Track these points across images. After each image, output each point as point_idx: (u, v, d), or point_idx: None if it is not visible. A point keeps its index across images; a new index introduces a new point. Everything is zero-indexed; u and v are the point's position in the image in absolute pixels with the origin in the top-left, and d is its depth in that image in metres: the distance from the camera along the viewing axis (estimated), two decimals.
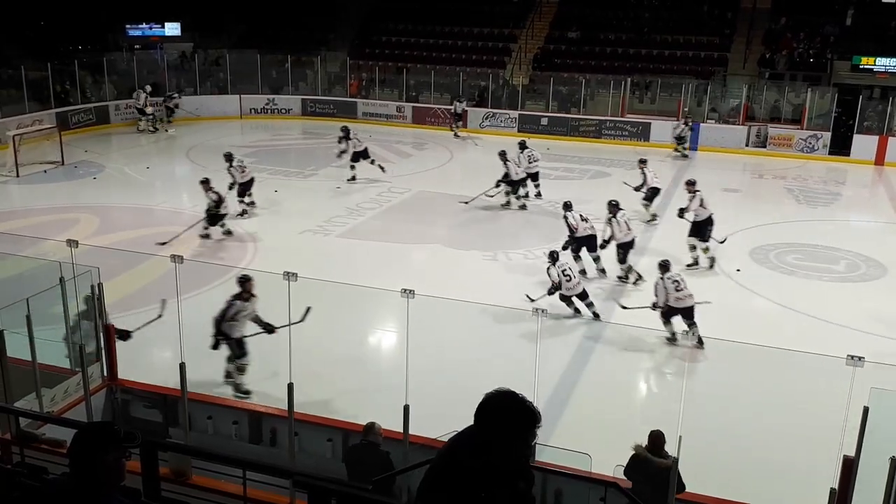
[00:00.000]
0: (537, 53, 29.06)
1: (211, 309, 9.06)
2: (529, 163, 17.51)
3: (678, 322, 10.29)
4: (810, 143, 23.31)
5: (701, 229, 13.36)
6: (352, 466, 6.77)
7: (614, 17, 29.29)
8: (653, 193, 16.10)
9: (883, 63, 24.97)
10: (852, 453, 6.04)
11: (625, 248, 12.71)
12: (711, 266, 13.38)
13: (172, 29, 30.99)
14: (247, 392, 8.89)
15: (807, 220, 16.86)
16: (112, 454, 2.95)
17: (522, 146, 17.95)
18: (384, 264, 13.45)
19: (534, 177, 17.66)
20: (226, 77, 27.97)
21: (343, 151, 18.92)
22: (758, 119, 24.59)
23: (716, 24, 28.40)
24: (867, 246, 14.87)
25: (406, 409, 6.83)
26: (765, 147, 23.62)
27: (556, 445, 6.71)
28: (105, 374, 8.22)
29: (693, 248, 13.44)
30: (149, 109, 24.62)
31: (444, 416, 7.69)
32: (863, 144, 22.75)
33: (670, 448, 6.33)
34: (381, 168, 18.75)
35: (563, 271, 11.02)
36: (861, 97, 23.39)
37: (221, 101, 27.09)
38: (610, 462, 6.33)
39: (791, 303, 12.04)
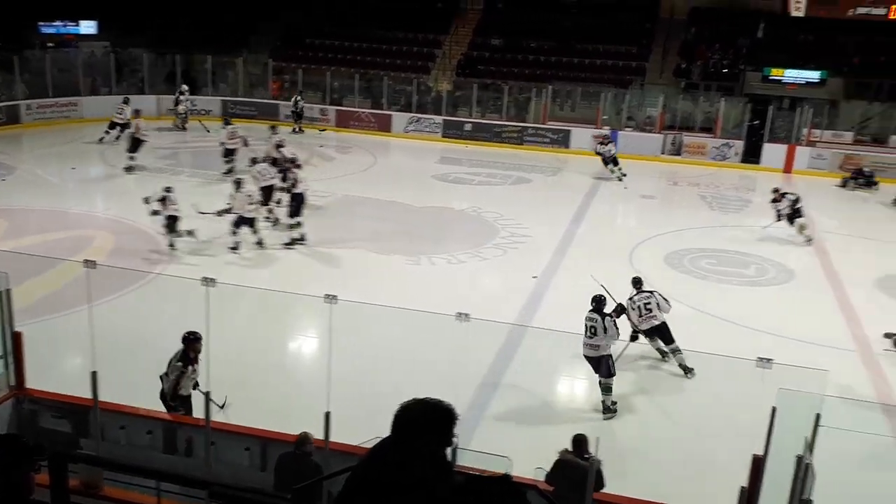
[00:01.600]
0: (461, 59, 29.26)
1: (125, 314, 8.81)
2: None
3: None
4: (723, 152, 24.13)
5: None
6: (281, 476, 6.67)
7: (537, 25, 29.71)
8: None
9: (792, 74, 26.03)
10: (761, 452, 6.26)
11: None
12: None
13: (88, 27, 29.96)
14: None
15: (719, 226, 17.42)
16: (20, 468, 2.85)
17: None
18: (306, 269, 13.32)
19: None
20: (143, 77, 27.26)
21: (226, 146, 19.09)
22: (673, 127, 25.31)
23: (634, 34, 29.12)
24: (776, 251, 15.47)
25: (327, 415, 6.78)
26: (680, 155, 24.33)
27: (476, 449, 6.76)
28: (12, 383, 7.89)
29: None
30: (181, 108, 24.92)
31: (367, 423, 7.65)
32: (772, 153, 23.67)
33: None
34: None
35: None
36: (771, 107, 24.34)
37: (138, 101, 26.33)
38: (530, 464, 6.40)
39: (703, 306, 12.41)
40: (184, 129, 24.88)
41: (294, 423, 6.99)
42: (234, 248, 13.76)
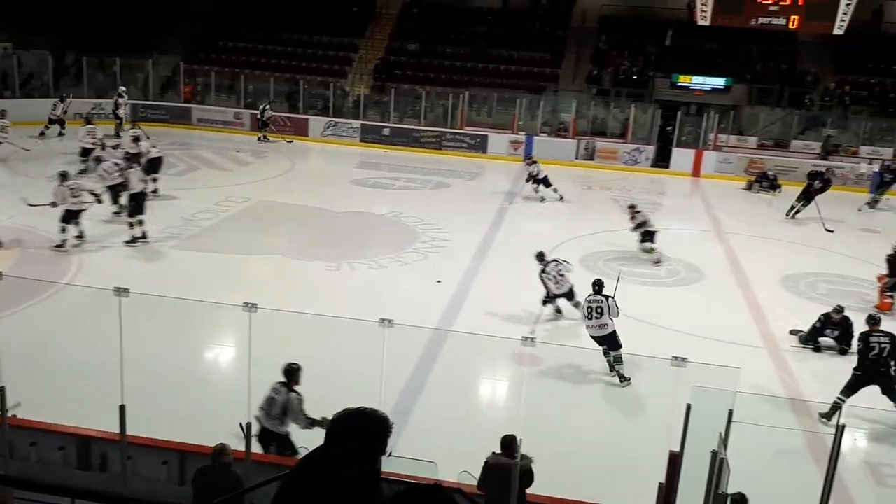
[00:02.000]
0: (378, 64, 29.21)
1: (32, 327, 8.46)
2: None
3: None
4: (634, 156, 24.80)
5: None
6: (200, 490, 6.51)
7: (452, 31, 29.93)
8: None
9: (699, 81, 26.96)
10: (678, 449, 6.45)
11: None
12: None
13: None
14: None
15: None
16: None
17: None
18: (223, 277, 13.04)
19: None
20: (48, 80, 26.22)
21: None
22: (587, 133, 25.87)
23: (548, 41, 29.64)
24: (686, 252, 15.96)
25: (248, 426, 6.66)
26: (593, 160, 24.89)
27: (401, 455, 6.75)
28: None
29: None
30: (120, 112, 23.93)
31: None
32: (681, 157, 24.45)
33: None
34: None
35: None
36: (679, 113, 25.15)
37: (44, 105, 25.30)
38: (456, 468, 6.42)
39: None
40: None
41: (214, 436, 6.84)
42: (60, 246, 13.50)
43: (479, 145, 25.37)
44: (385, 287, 13.10)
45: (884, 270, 13.65)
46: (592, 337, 10.23)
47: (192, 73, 28.22)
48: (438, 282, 13.35)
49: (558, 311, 12.23)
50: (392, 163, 23.51)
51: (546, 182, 19.39)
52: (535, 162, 19.63)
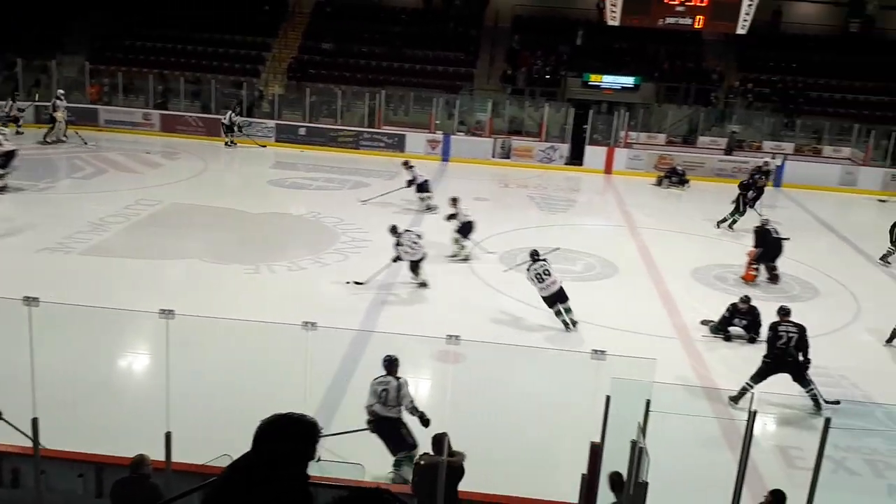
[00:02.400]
0: (291, 63, 28.85)
1: None
2: None
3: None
4: (548, 154, 25.20)
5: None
6: (118, 502, 6.33)
7: (366, 30, 29.81)
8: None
9: (609, 80, 27.61)
10: (599, 440, 6.62)
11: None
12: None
13: None
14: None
15: (548, 226, 18.19)
16: None
17: None
18: (137, 283, 12.66)
19: None
20: None
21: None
22: (503, 132, 26.16)
23: (462, 41, 29.84)
24: (600, 247, 16.35)
25: (167, 435, 6.51)
26: (509, 158, 25.19)
27: (327, 458, 6.72)
28: None
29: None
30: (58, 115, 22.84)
31: (211, 441, 7.45)
32: (594, 155, 24.98)
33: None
34: None
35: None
36: (591, 111, 25.69)
37: None
38: (383, 468, 6.44)
39: (539, 303, 12.90)
40: (63, 139, 23.03)
41: (132, 446, 6.66)
42: None
43: (397, 144, 25.37)
44: (305, 289, 12.98)
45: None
46: (546, 297, 11.84)
47: (98, 73, 27.27)
48: (348, 283, 13.24)
49: (423, 284, 13.21)
50: (309, 163, 23.28)
51: (425, 188, 18.42)
52: (412, 167, 18.62)
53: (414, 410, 7.84)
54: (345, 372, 9.96)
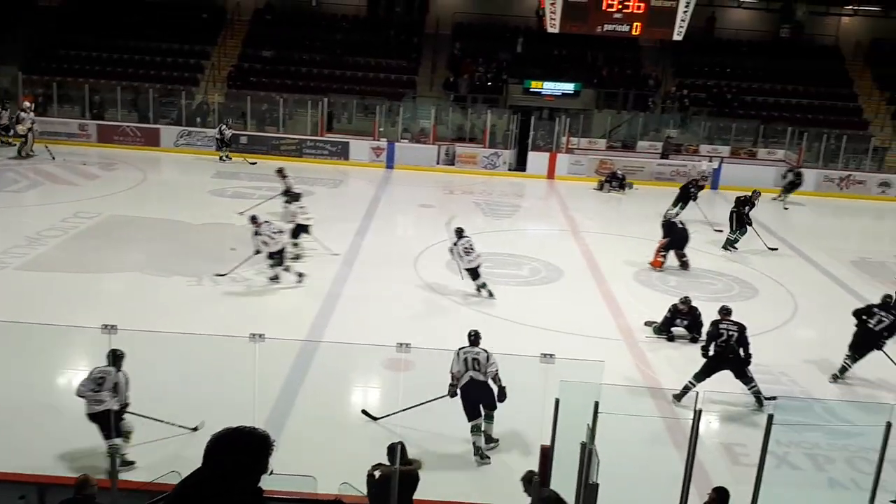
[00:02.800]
0: (231, 71, 28.53)
1: None
2: None
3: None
4: (492, 161, 25.37)
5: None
6: None
7: (307, 37, 29.65)
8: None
9: (550, 87, 27.95)
10: (549, 442, 6.69)
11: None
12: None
13: None
14: None
15: (493, 231, 18.30)
16: None
17: None
18: (76, 298, 12.35)
19: None
20: None
21: None
22: (447, 139, 26.26)
23: (403, 48, 29.89)
24: (545, 252, 16.52)
25: (112, 453, 6.38)
26: (453, 165, 25.27)
27: (278, 472, 6.64)
28: None
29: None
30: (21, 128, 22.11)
31: (159, 457, 7.31)
32: (536, 161, 25.24)
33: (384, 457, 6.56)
34: None
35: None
36: (533, 118, 25.95)
37: None
38: (335, 480, 6.39)
39: (485, 308, 13.01)
40: (30, 154, 22.23)
41: (75, 466, 6.51)
42: None
43: (341, 152, 25.24)
44: (250, 300, 12.83)
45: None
46: (470, 269, 13.25)
47: (31, 83, 26.53)
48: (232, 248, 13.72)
49: (275, 278, 13.42)
50: (251, 172, 23.00)
51: (296, 197, 17.01)
52: (286, 175, 17.65)
53: (496, 380, 8.56)
54: (293, 382, 9.86)
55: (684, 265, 15.89)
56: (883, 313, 11.06)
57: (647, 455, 8.58)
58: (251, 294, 13.10)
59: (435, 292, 13.74)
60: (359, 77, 28.91)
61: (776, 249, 17.56)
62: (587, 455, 6.09)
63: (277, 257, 13.31)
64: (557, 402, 6.57)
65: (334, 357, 10.76)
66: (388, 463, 6.42)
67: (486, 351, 8.78)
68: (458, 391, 8.64)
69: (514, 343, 11.26)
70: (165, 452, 7.64)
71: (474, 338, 9.05)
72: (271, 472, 3.05)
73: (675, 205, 19.59)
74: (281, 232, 13.49)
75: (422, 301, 13.35)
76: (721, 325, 9.97)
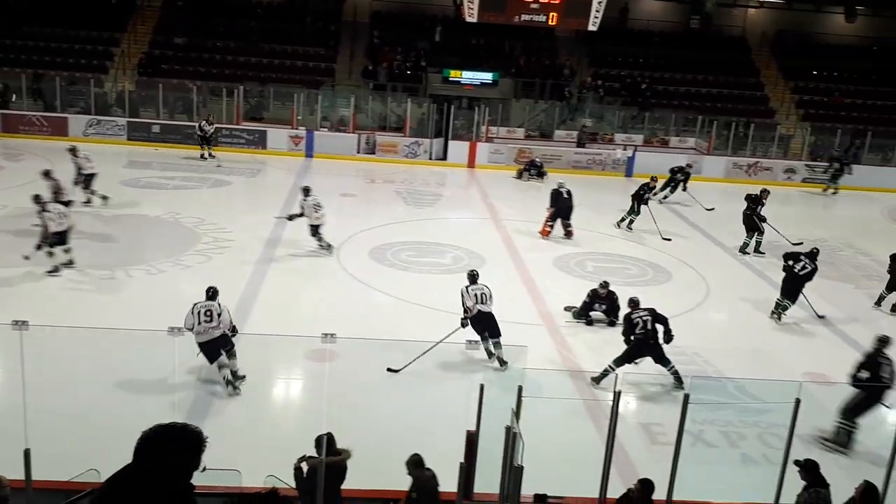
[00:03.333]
0: (142, 59, 27.67)
1: None
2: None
3: None
4: (413, 149, 25.37)
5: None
6: None
7: (220, 24, 28.99)
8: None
9: (468, 76, 28.10)
10: (475, 428, 6.77)
11: None
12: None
13: None
14: None
15: (415, 220, 18.35)
16: None
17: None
18: None
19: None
20: None
21: None
22: (367, 127, 26.11)
23: (321, 36, 29.54)
24: (467, 239, 16.65)
25: (27, 453, 6.16)
26: (374, 154, 25.17)
27: (203, 467, 6.52)
28: None
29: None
30: None
31: (75, 456, 7.09)
32: (457, 150, 25.35)
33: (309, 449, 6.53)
34: None
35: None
36: (452, 107, 26.04)
37: None
38: (261, 473, 6.33)
39: (410, 297, 13.03)
40: None
41: None
42: None
43: (258, 141, 24.82)
44: (167, 293, 12.52)
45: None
46: (315, 226, 14.54)
47: None
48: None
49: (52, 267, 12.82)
50: (164, 161, 22.41)
51: (88, 182, 17.08)
52: (78, 154, 17.14)
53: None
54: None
55: (568, 234, 17.13)
56: (807, 261, 13.00)
57: (570, 436, 8.78)
58: (168, 288, 12.79)
59: (359, 282, 13.70)
60: (275, 65, 28.46)
61: (713, 209, 18.61)
62: (512, 438, 6.20)
63: (57, 238, 12.84)
64: (482, 387, 6.66)
65: (256, 350, 10.60)
66: (316, 454, 6.39)
67: (487, 287, 10.49)
68: (469, 321, 10.21)
69: (440, 331, 11.34)
70: (83, 450, 7.42)
71: (473, 276, 10.78)
72: (204, 469, 3.01)
73: (663, 189, 21.28)
74: (64, 215, 13.06)
75: (346, 291, 13.29)
76: (633, 315, 10.33)
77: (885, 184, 25.76)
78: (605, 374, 10.05)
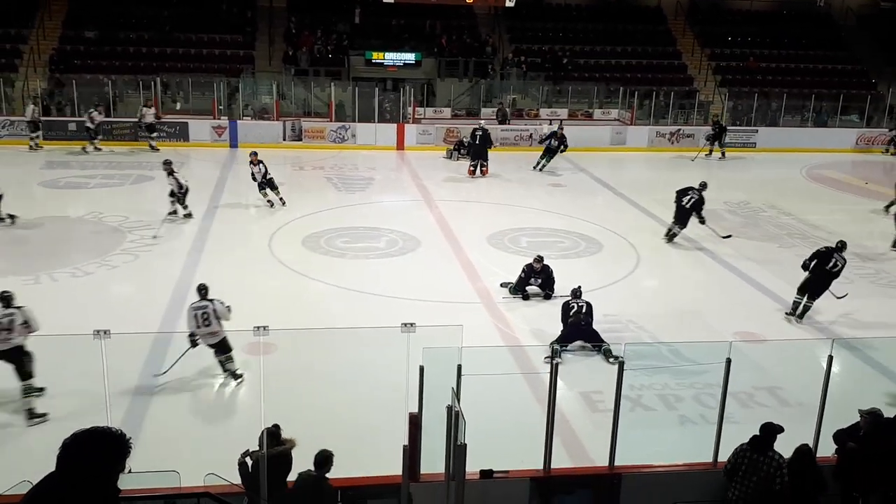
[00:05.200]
0: (53, 55, 26.66)
1: None
2: None
3: None
4: (340, 134, 25.11)
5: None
6: None
7: (132, 15, 28.13)
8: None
9: (391, 57, 27.91)
10: (416, 410, 6.77)
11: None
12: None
13: None
14: None
15: (347, 206, 18.18)
16: None
17: None
18: None
19: None
20: None
21: None
22: (291, 114, 25.74)
23: (236, 22, 28.92)
24: (401, 222, 16.60)
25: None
26: (301, 140, 24.83)
27: (138, 470, 6.38)
28: None
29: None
30: None
31: (5, 468, 6.84)
32: (385, 132, 25.19)
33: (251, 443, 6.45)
34: None
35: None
36: (377, 89, 25.84)
37: None
38: (201, 471, 6.21)
39: (345, 283, 12.94)
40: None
41: None
42: None
43: (180, 133, 24.20)
44: (94, 295, 12.16)
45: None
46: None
47: None
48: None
49: None
50: (84, 160, 21.70)
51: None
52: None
53: None
54: (149, 376, 9.47)
55: (483, 173, 21.07)
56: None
57: (512, 411, 8.86)
58: (96, 290, 12.42)
59: (293, 271, 13.53)
60: (192, 54, 27.78)
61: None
62: (454, 417, 6.21)
63: None
64: (422, 369, 6.65)
65: (182, 346, 10.39)
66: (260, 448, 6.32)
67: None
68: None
69: (375, 314, 11.32)
70: (12, 461, 7.18)
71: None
72: (129, 471, 2.93)
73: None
74: None
75: (280, 282, 13.10)
76: (571, 302, 10.93)
77: (802, 144, 26.60)
78: (553, 353, 10.16)
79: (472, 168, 21.42)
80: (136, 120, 23.26)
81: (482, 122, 21.73)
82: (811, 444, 6.82)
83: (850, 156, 26.55)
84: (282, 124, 24.81)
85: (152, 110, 23.16)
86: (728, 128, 25.48)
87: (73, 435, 2.69)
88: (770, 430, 6.47)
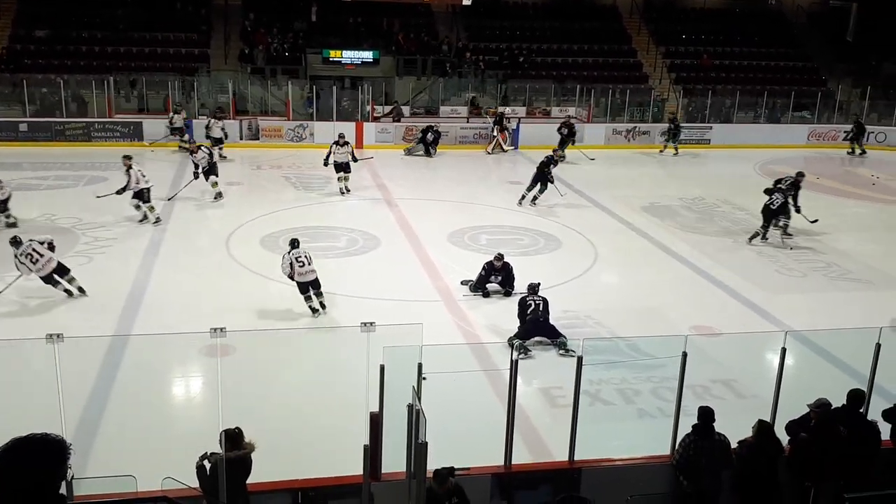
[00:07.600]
0: (2, 54, 26.05)
1: None
2: None
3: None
4: (298, 133, 24.91)
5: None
6: None
7: (85, 14, 27.60)
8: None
9: (349, 55, 27.77)
10: (377, 409, 6.76)
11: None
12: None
13: None
14: None
15: (306, 204, 18.06)
16: None
17: None
18: None
19: None
20: None
21: None
22: (248, 113, 25.46)
23: (191, 21, 28.55)
24: (361, 221, 16.55)
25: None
26: (258, 139, 24.60)
27: (94, 475, 6.29)
28: None
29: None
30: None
31: None
32: (343, 131, 24.94)
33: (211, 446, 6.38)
34: None
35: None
36: (335, 88, 25.68)
37: None
38: (157, 476, 6.13)
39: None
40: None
41: None
42: None
43: (134, 133, 23.81)
44: (47, 298, 11.92)
45: None
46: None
47: None
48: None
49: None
50: (35, 161, 21.24)
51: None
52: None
53: None
54: (104, 381, 9.32)
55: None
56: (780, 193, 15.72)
57: (473, 408, 8.89)
58: (49, 293, 12.16)
59: (251, 272, 13.40)
60: (146, 53, 27.36)
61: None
62: (414, 416, 6.21)
63: None
64: (382, 368, 6.64)
65: (147, 350, 10.26)
66: (220, 451, 6.25)
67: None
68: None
69: (336, 314, 11.28)
70: None
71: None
72: (72, 478, 2.89)
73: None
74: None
75: (238, 282, 12.96)
76: (528, 300, 10.95)
77: (756, 140, 27.07)
78: (513, 347, 10.22)
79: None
80: (168, 125, 23.12)
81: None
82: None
83: (802, 151, 27.07)
84: (238, 123, 24.54)
85: (182, 115, 23.15)
86: (682, 125, 25.80)
87: (10, 443, 2.63)
88: (708, 414, 6.62)
